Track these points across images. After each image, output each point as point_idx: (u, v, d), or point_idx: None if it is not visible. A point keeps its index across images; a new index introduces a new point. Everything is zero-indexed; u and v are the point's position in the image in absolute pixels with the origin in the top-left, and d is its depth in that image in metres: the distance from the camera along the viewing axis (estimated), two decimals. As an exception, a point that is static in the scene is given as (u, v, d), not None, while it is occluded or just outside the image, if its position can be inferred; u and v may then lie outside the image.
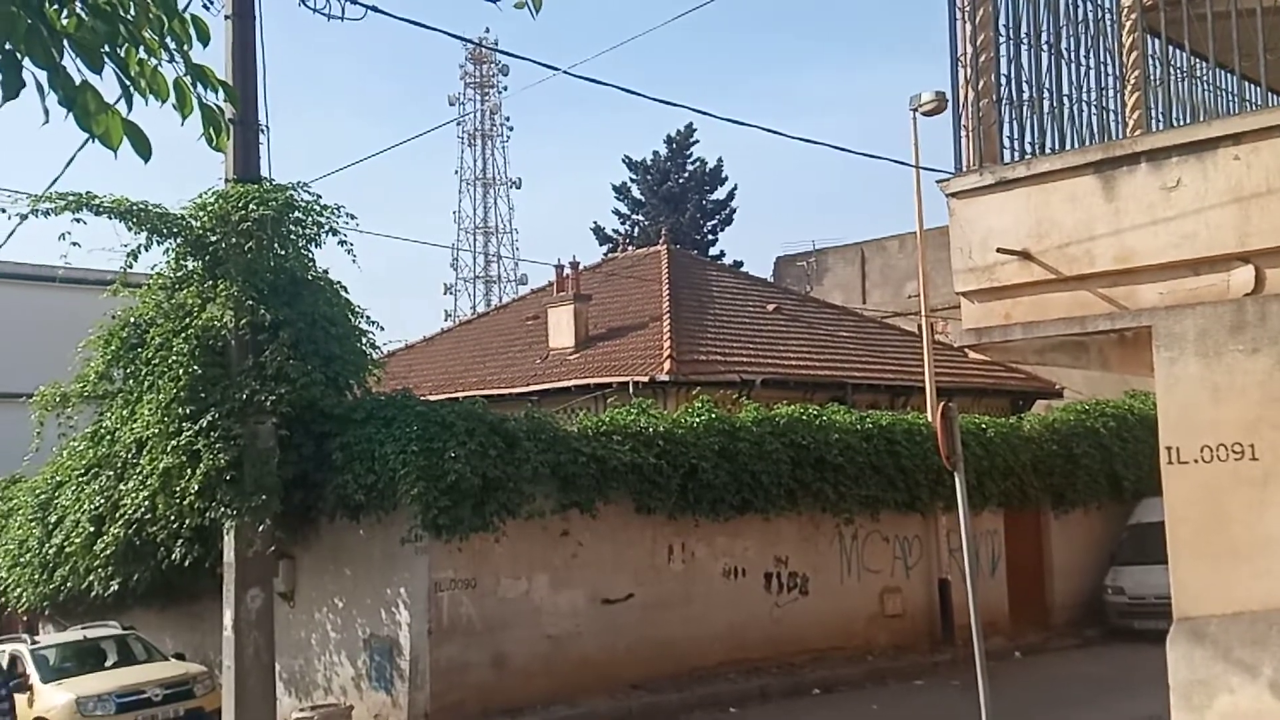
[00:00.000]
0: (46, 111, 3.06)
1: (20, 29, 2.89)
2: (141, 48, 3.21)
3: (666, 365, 20.59)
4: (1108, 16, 8.29)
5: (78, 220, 13.53)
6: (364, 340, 15.06)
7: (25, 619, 19.85)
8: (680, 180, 47.18)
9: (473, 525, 13.77)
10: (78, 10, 3.03)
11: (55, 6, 3.03)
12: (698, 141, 47.48)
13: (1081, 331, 7.71)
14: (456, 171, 74.01)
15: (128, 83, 3.16)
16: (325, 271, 14.87)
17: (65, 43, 3.01)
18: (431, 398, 16.12)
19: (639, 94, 20.05)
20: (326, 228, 14.61)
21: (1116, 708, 12.72)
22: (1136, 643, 16.07)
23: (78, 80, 3.07)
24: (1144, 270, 7.24)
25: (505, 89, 72.34)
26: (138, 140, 3.13)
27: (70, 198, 13.54)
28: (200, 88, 3.41)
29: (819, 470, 16.66)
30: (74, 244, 13.31)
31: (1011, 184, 7.70)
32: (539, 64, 15.51)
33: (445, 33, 21.02)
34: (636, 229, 45.63)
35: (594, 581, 15.08)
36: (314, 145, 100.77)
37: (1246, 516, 6.77)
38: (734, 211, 47.88)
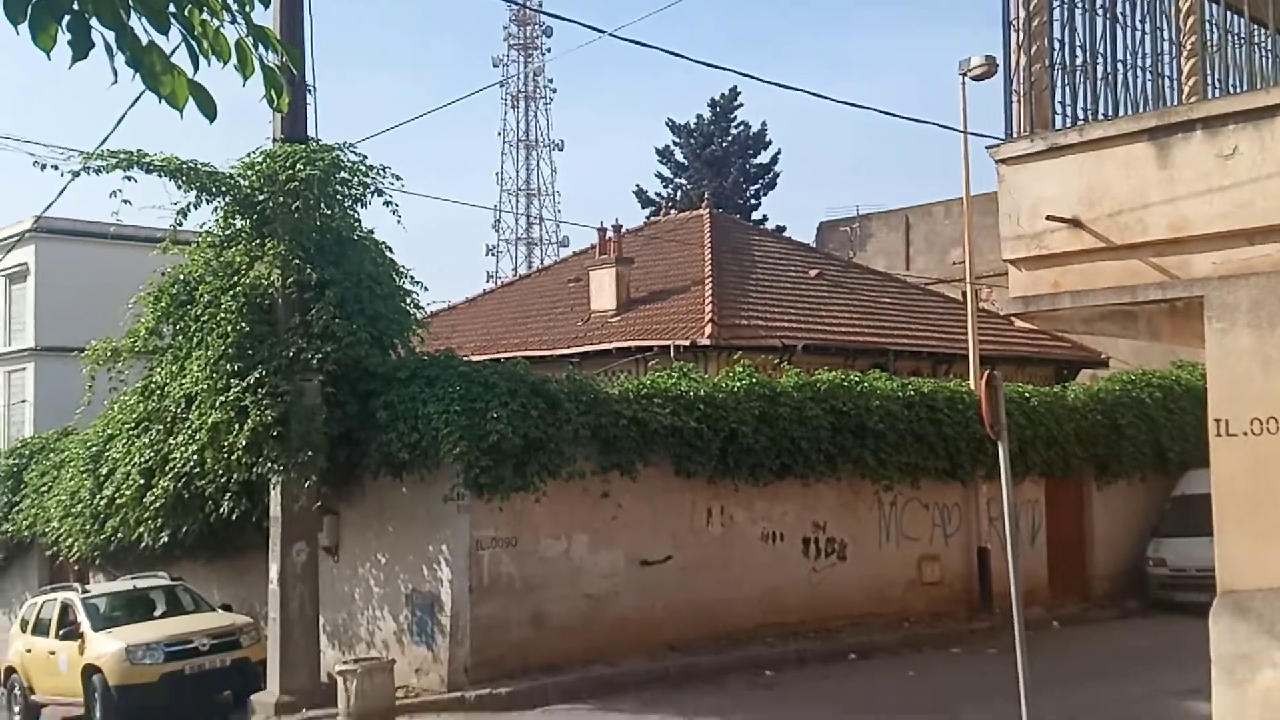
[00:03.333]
0: (115, 72, 3.10)
1: (88, -11, 2.87)
2: (205, 9, 3.25)
3: (708, 329, 20.61)
4: (1165, -20, 8.19)
5: (129, 178, 13.74)
6: (408, 300, 15.23)
7: (77, 568, 20.33)
8: (724, 144, 46.86)
9: (514, 485, 13.85)
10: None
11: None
12: (742, 105, 47.18)
13: (1131, 301, 7.66)
14: (499, 133, 75.11)
15: (193, 43, 3.17)
16: (370, 231, 15.02)
17: (132, 3, 3.04)
18: (474, 358, 16.23)
19: (683, 56, 20.47)
20: (372, 188, 14.77)
21: (1157, 680, 12.63)
22: (1177, 615, 15.98)
23: (144, 41, 3.09)
24: (1197, 239, 7.15)
25: (549, 51, 72.19)
26: (203, 100, 3.18)
27: (121, 156, 13.74)
28: (261, 49, 3.42)
29: (859, 437, 16.62)
30: (125, 201, 13.46)
31: (1063, 150, 7.62)
32: (583, 25, 15.67)
33: (490, -8, 20.93)
34: (679, 192, 45.49)
35: (633, 543, 15.16)
36: (360, 106, 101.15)
37: (1295, 491, 6.78)
38: (777, 176, 47.63)
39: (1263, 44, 8.19)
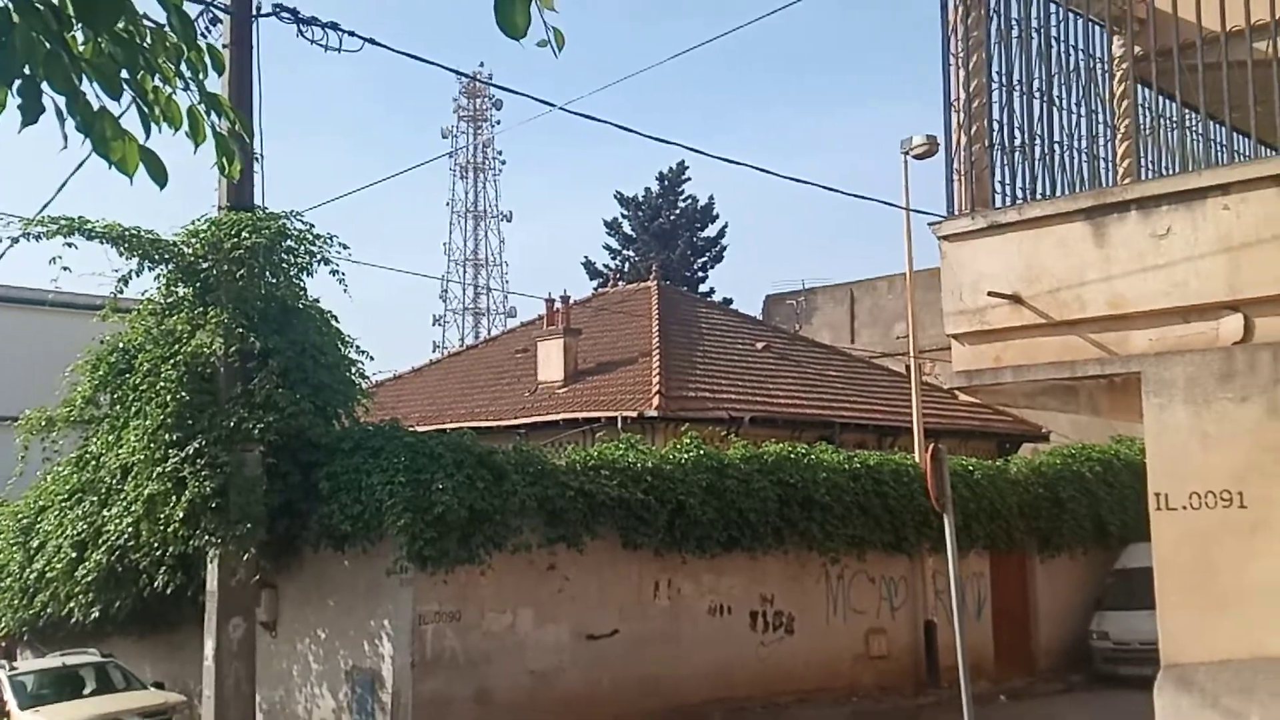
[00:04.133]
0: (65, 137, 3.09)
1: (40, 54, 2.91)
2: (157, 75, 3.24)
3: (655, 401, 20.59)
4: (1099, 66, 8.46)
5: (69, 245, 13.51)
6: (353, 370, 15.02)
7: (3, 644, 19.54)
8: (671, 217, 47.48)
9: (459, 558, 13.66)
10: (97, 38, 3.04)
11: (75, 33, 3.04)
12: (690, 179, 48.11)
13: (1071, 376, 7.81)
14: (448, 203, 74.69)
15: (145, 109, 3.17)
16: (316, 300, 14.83)
17: (84, 69, 3.03)
18: (419, 429, 16.05)
19: (632, 130, 20.57)
20: (318, 257, 14.59)
21: (1101, 754, 12.63)
22: (1121, 689, 15.96)
23: (96, 106, 3.08)
24: (1134, 316, 7.35)
25: (498, 122, 73.05)
26: (153, 167, 3.14)
27: (62, 222, 13.55)
28: (213, 115, 3.42)
29: (806, 509, 16.60)
30: (65, 268, 13.19)
31: (1003, 228, 7.85)
32: (533, 98, 15.84)
33: (440, 65, 21.29)
34: (627, 264, 45.88)
35: (579, 616, 15.00)
36: (308, 176, 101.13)
37: (1235, 564, 6.86)
38: (724, 249, 48.34)
39: (1194, 128, 8.43)
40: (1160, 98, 8.46)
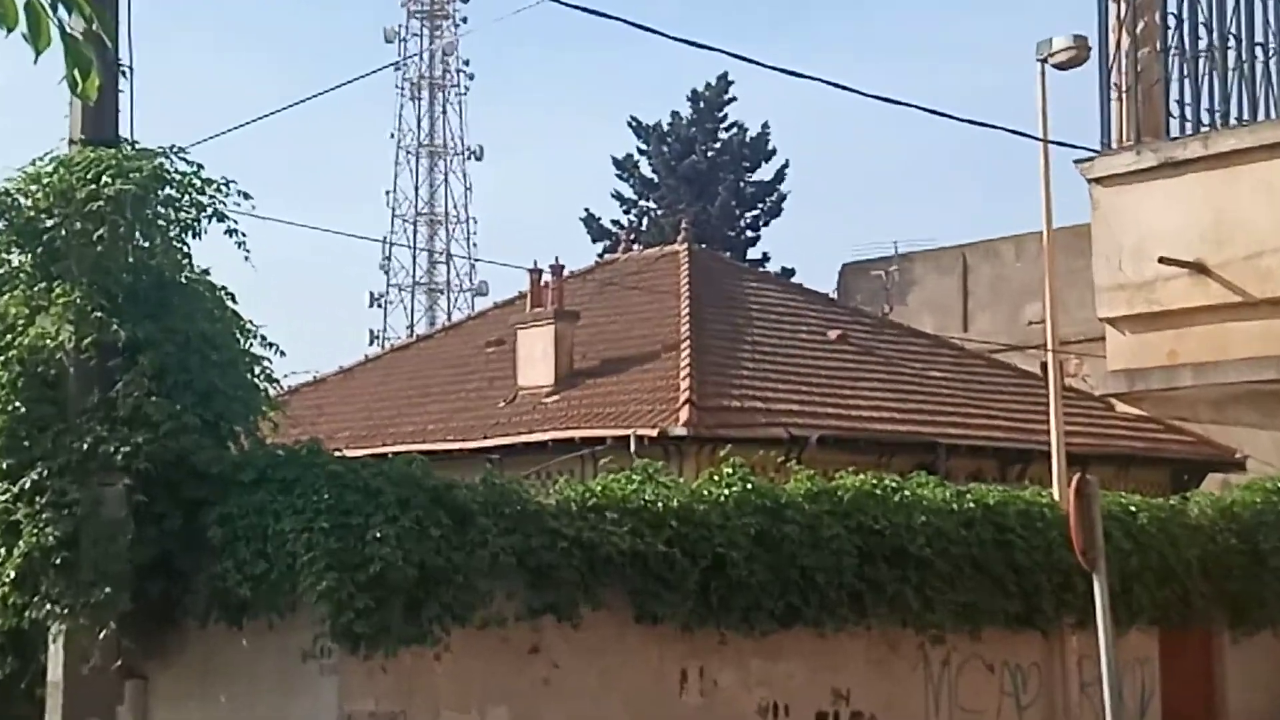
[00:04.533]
0: None
1: None
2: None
3: (684, 414, 18.14)
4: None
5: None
6: (257, 370, 12.82)
7: None
8: (709, 154, 39.99)
9: (404, 636, 11.47)
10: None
11: None
12: (735, 100, 40.41)
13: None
14: (393, 135, 59.45)
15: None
16: (205, 272, 12.68)
17: None
18: (350, 453, 14.12)
19: (654, 31, 15.75)
20: (209, 211, 12.48)
21: None
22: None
23: None
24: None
25: (464, 20, 58.33)
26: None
27: None
28: (64, 12, 3.17)
29: (898, 566, 13.89)
30: None
31: (1181, 167, 7.79)
32: (512, -16, 12.41)
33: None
34: (645, 220, 39.89)
35: (575, 717, 12.65)
36: (199, 100, 79.60)
37: None
38: (784, 198, 40.91)
39: None
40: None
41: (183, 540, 11.87)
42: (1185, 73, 7.88)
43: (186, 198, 12.29)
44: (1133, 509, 15.63)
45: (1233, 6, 7.63)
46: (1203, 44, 7.74)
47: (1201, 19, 7.74)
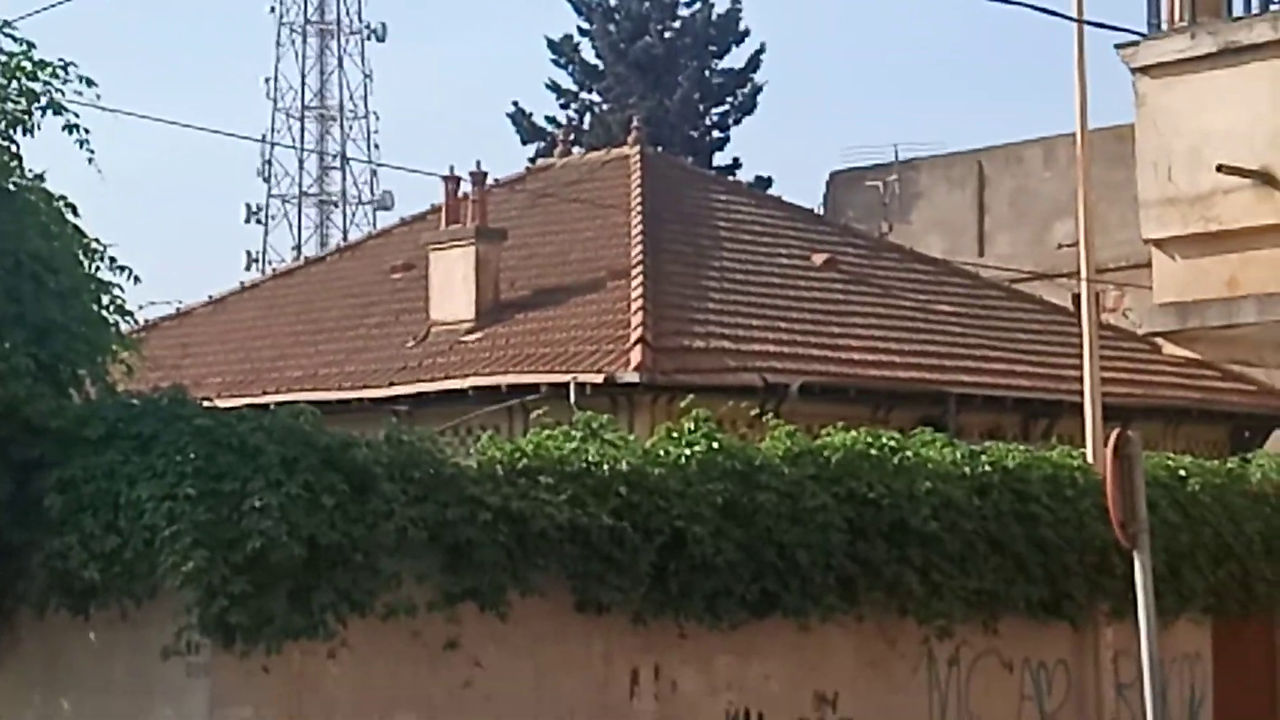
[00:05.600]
0: None
1: None
2: None
3: (635, 356, 16.58)
4: None
5: None
6: (105, 300, 11.47)
7: None
8: (666, 35, 35.61)
9: (291, 628, 10.24)
10: None
11: None
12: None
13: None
14: (273, 9, 53.17)
15: None
16: (40, 178, 11.29)
17: None
18: (223, 404, 12.97)
19: None
20: (44, 101, 11.12)
21: None
22: None
23: None
24: None
25: None
26: None
27: None
28: None
29: (898, 544, 12.43)
30: None
31: (1245, 54, 8.23)
32: None
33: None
34: (588, 116, 35.78)
35: (501, 728, 11.67)
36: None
37: None
38: (759, 91, 36.25)
39: None
40: None
41: (13, 510, 10.58)
42: None
43: (14, 84, 10.92)
44: (1183, 473, 14.54)
45: None
46: None
47: None
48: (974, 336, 20.68)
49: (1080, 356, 14.89)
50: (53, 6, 14.57)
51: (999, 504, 12.97)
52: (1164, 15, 7.14)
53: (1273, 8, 6.77)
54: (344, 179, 51.96)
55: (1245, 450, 18.00)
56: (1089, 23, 11.42)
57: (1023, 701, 13.66)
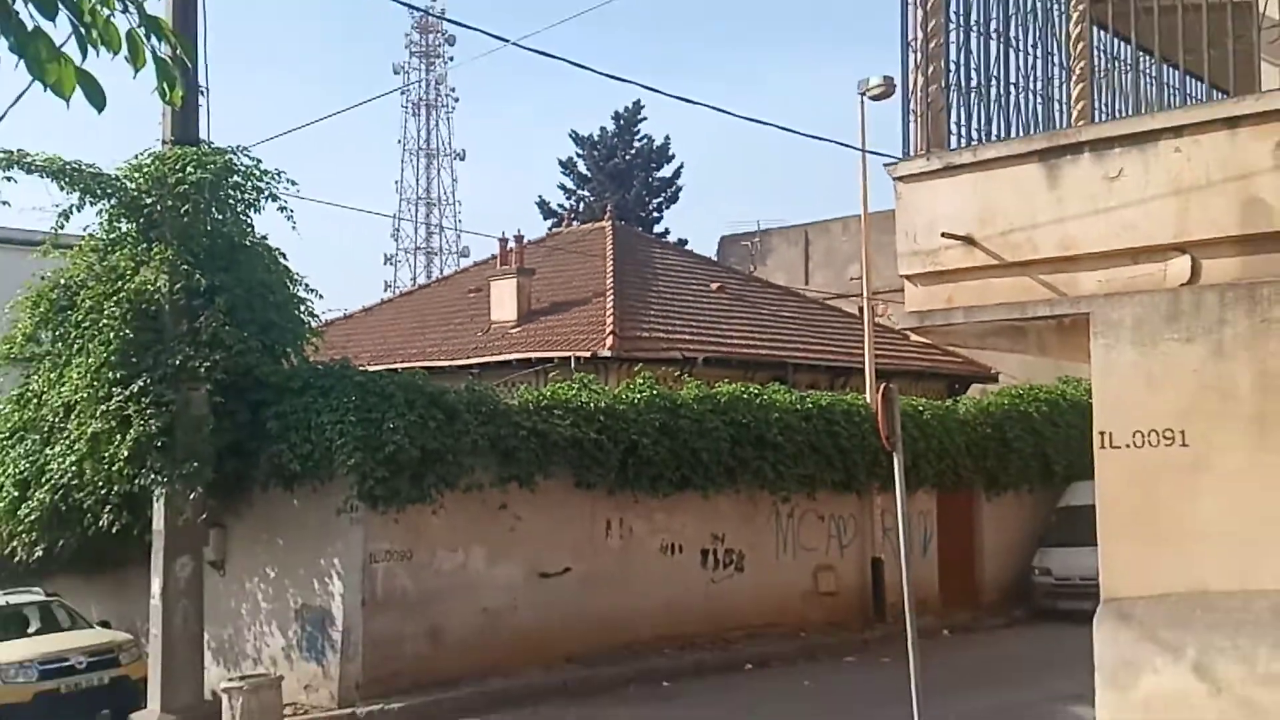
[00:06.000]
0: (-1, 58, 3.11)
1: (-29, -28, 2.85)
2: (97, -4, 3.04)
3: (609, 341, 20.51)
4: (1056, 7, 8.35)
5: (9, 178, 13.29)
6: (302, 308, 14.84)
7: (-55, 584, 19.29)
8: (627, 157, 46.76)
9: (410, 496, 13.64)
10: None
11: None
12: (645, 119, 47.26)
13: (1022, 317, 7.83)
14: (400, 141, 73.55)
15: (82, 31, 3.08)
16: (264, 238, 14.59)
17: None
18: (370, 368, 15.84)
19: (586, 68, 20.08)
20: (266, 193, 14.34)
21: (1044, 685, 12.93)
22: (1062, 623, 16.34)
23: (30, 26, 3.01)
24: (1084, 258, 7.37)
25: (451, 59, 71.71)
26: (91, 90, 3.05)
27: (1, 155, 13.24)
28: (153, 40, 3.33)
29: (759, 449, 16.70)
30: (4, 203, 13.08)
31: (958, 169, 7.80)
32: (487, 34, 15.46)
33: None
34: (582, 204, 45.29)
35: (531, 555, 15.04)
36: (255, 111, 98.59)
37: (1175, 502, 6.92)
38: (680, 189, 47.62)
39: (1148, 70, 8.33)
40: (1115, 40, 8.50)
41: (249, 430, 13.93)
42: (960, 103, 8.01)
43: (249, 183, 14.07)
44: (920, 408, 18.90)
45: (994, 57, 8.01)
46: (973, 83, 7.99)
47: (974, 65, 8.01)
48: (803, 330, 25.61)
49: (863, 342, 19.59)
50: (270, 140, 18.13)
51: (817, 426, 17.37)
52: (912, 146, 8.08)
53: (973, 143, 7.91)
54: (440, 239, 70.79)
55: (955, 396, 22.94)
56: (869, 151, 16.82)
57: (829, 539, 18.20)
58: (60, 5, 3.04)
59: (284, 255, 14.65)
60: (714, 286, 26.59)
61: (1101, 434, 7.26)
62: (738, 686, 14.63)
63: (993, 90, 8.07)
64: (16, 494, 15.87)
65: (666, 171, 47.59)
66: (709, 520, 16.79)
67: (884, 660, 14.74)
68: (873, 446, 16.49)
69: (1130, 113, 8.42)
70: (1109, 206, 7.25)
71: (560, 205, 46.37)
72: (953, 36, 8.13)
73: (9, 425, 16.31)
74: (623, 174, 46.32)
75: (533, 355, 21.19)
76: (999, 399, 20.95)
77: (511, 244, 25.35)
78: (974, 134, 8.02)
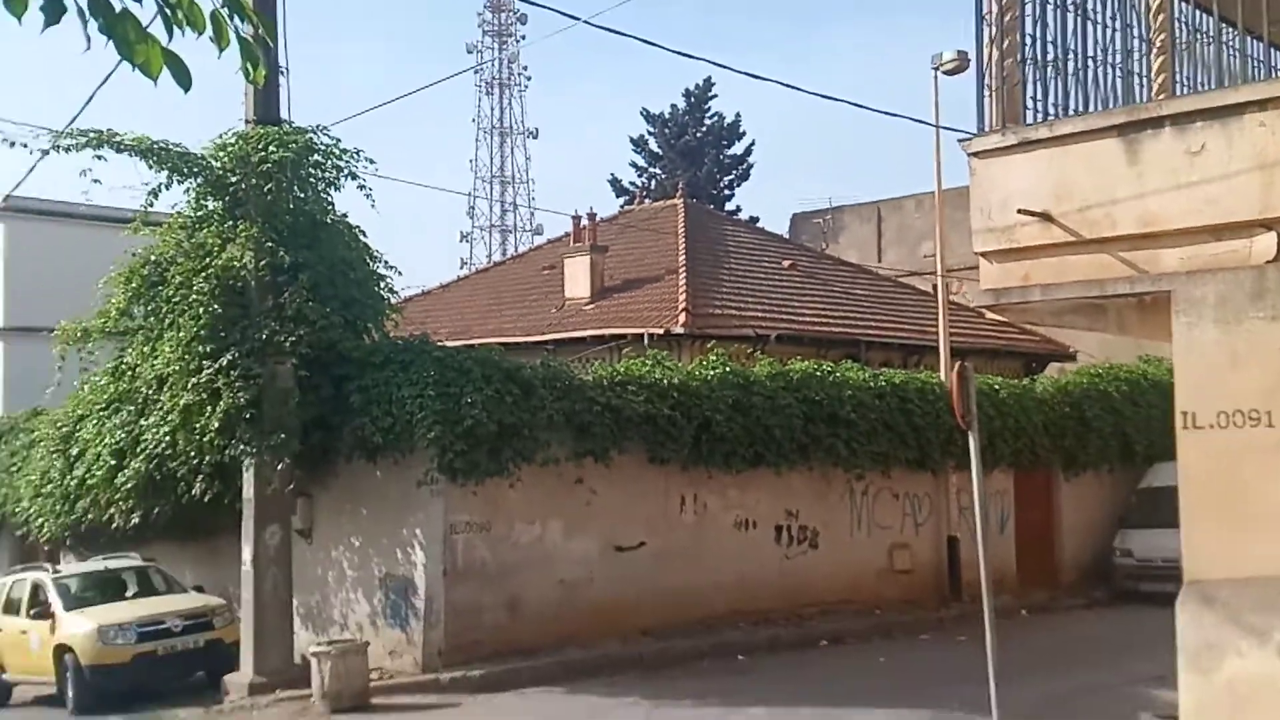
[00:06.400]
0: (89, 39, 3.09)
1: (62, -46, 2.88)
2: (180, -23, 3.18)
3: (682, 318, 20.56)
4: (1136, -22, 8.26)
5: (99, 158, 13.61)
6: (382, 285, 15.13)
7: (47, 548, 20.09)
8: (698, 134, 46.63)
9: (488, 470, 13.84)
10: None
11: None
12: (716, 96, 46.99)
13: (1100, 295, 7.75)
14: (474, 120, 73.98)
15: (167, 12, 3.15)
16: (344, 215, 14.89)
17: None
18: (448, 344, 16.07)
19: (658, 45, 20.11)
20: (345, 171, 14.62)
21: (1123, 667, 12.80)
22: (1143, 605, 16.14)
23: (118, 8, 3.08)
24: (1165, 235, 7.27)
25: (524, 37, 71.85)
26: (178, 70, 3.16)
27: (92, 134, 13.58)
28: (236, 20, 3.39)
29: (832, 426, 16.68)
30: (95, 181, 13.42)
31: (1034, 145, 7.70)
32: (558, 12, 15.45)
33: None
34: (653, 182, 45.12)
35: (607, 529, 15.19)
36: (332, 91, 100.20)
37: (1261, 483, 6.82)
38: (751, 167, 47.37)
39: (1230, 43, 8.15)
40: (1197, 11, 8.26)
41: (333, 403, 14.26)
42: (1036, 78, 7.94)
43: (329, 162, 14.37)
44: (996, 387, 18.66)
45: (1071, 31, 7.92)
46: (1050, 57, 7.91)
47: (1050, 39, 7.93)
48: (876, 308, 25.38)
49: (937, 320, 19.43)
50: (350, 118, 18.00)
51: (890, 404, 17.23)
52: (986, 123, 8.02)
53: (1049, 118, 7.83)
54: (515, 217, 71.83)
55: (1032, 375, 22.64)
56: (943, 127, 16.76)
57: (904, 517, 18.10)
58: None
59: (364, 233, 14.96)
60: (786, 264, 26.51)
61: (1184, 414, 7.20)
62: (812, 662, 14.68)
63: (1070, 64, 7.95)
64: (113, 463, 16.48)
65: (738, 149, 47.31)
66: (782, 497, 16.80)
67: (960, 639, 14.63)
68: (947, 425, 16.31)
69: (1212, 86, 8.23)
70: (1191, 182, 7.14)
71: (632, 183, 46.27)
72: (1028, 10, 8.02)
73: (105, 397, 16.88)
74: (694, 151, 46.16)
75: (606, 332, 21.24)
76: (1077, 378, 20.62)
77: (585, 222, 25.41)
78: (1050, 109, 7.95)
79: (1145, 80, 8.05)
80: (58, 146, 13.44)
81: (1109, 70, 7.95)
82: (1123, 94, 7.88)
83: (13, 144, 13.25)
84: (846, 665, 14.44)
